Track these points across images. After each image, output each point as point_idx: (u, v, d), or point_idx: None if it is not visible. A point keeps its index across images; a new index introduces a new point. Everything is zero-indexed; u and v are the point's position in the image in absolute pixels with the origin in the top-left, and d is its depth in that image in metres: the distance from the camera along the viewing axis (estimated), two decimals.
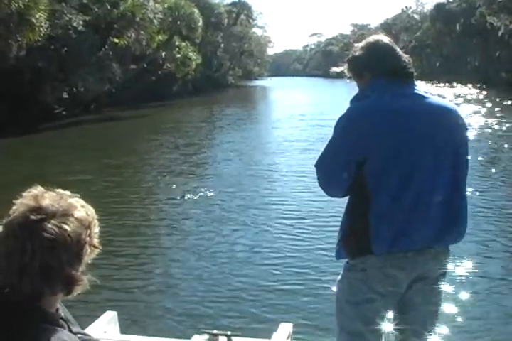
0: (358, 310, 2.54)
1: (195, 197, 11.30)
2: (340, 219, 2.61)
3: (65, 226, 1.58)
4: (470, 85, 45.80)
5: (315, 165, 2.56)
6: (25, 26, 20.20)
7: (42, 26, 20.87)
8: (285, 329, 2.61)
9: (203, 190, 11.87)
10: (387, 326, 2.65)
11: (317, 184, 2.62)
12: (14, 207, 1.62)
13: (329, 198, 2.80)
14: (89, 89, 29.78)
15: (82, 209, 1.67)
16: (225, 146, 18.75)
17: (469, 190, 2.61)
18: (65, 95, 28.41)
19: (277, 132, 22.11)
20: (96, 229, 1.69)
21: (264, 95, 43.89)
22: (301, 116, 25.55)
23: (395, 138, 2.39)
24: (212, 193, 11.61)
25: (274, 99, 40.13)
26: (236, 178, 13.46)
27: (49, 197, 1.63)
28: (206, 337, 2.96)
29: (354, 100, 2.61)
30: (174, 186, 12.42)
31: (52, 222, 1.57)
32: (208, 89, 39.55)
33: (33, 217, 1.56)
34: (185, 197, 11.27)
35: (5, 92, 22.95)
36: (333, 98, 36.05)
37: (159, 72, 36.37)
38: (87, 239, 1.64)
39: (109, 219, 9.04)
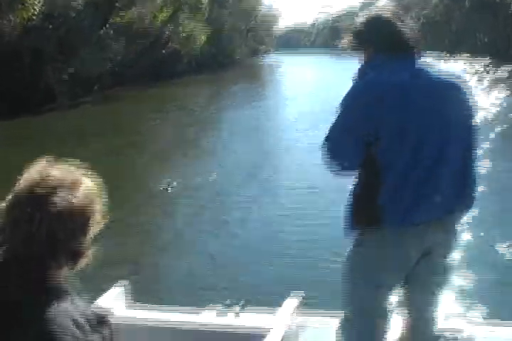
0: (368, 284, 2.58)
1: (204, 173, 11.39)
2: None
3: (72, 199, 1.62)
4: (479, 61, 45.38)
5: (325, 138, 2.56)
6: (18, 4, 20.06)
7: (35, 3, 20.72)
8: (292, 303, 2.66)
9: (212, 165, 11.96)
10: (396, 300, 2.70)
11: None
12: (21, 180, 1.66)
13: None
14: (90, 70, 29.73)
15: (88, 182, 1.71)
16: (233, 123, 18.80)
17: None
18: (66, 77, 28.39)
19: (286, 109, 22.09)
20: (101, 203, 1.73)
21: (271, 72, 43.68)
22: (309, 93, 25.50)
23: (402, 113, 2.41)
24: (221, 169, 11.71)
25: (282, 75, 39.95)
26: (246, 154, 13.63)
27: (55, 170, 1.67)
28: (214, 312, 3.03)
29: (358, 75, 2.62)
30: (183, 162, 12.50)
31: (60, 193, 1.60)
32: (213, 67, 39.39)
33: (40, 188, 1.60)
34: (194, 173, 11.37)
35: (4, 74, 22.98)
36: (341, 74, 35.74)
37: (163, 51, 36.22)
38: (93, 212, 1.68)
39: (115, 195, 9.13)
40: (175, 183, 10.78)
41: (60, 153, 1.82)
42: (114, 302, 2.77)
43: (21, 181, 1.65)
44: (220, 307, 3.03)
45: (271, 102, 25.29)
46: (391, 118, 2.41)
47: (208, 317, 2.71)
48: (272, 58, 53.25)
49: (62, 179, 1.64)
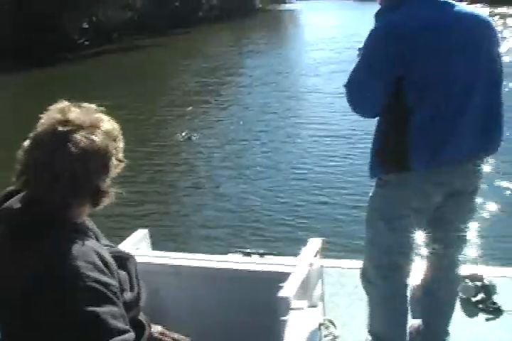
0: (390, 226, 2.58)
1: (226, 119, 11.42)
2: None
3: (94, 138, 1.63)
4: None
5: (347, 82, 2.51)
6: None
7: None
8: (314, 244, 2.67)
9: (233, 111, 11.97)
10: (418, 242, 2.71)
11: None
12: (41, 121, 1.67)
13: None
14: (110, 18, 29.44)
15: (108, 122, 1.72)
16: (255, 71, 18.63)
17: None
18: (86, 25, 28.18)
19: (309, 54, 21.83)
20: (121, 144, 1.75)
21: (293, 19, 42.89)
22: (332, 39, 25.05)
23: (432, 50, 2.34)
24: (242, 113, 11.71)
25: (304, 22, 39.22)
26: (269, 100, 13.67)
27: (76, 110, 1.68)
28: (240, 255, 3.07)
29: (382, 12, 2.54)
30: (204, 109, 12.53)
31: (81, 133, 1.62)
32: (234, 14, 38.75)
33: (61, 128, 1.61)
34: (216, 120, 11.39)
35: (24, 23, 22.91)
36: (363, 20, 35.29)
37: None
38: (114, 151, 1.69)
39: (136, 140, 9.22)
40: (197, 132, 10.84)
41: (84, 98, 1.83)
42: (139, 243, 2.81)
43: (41, 122, 1.66)
44: (245, 250, 3.07)
45: (292, 49, 24.94)
46: (421, 54, 2.34)
47: (233, 259, 2.74)
48: (294, 3, 52.05)
49: (83, 119, 1.65)
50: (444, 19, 2.40)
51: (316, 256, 2.59)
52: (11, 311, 1.57)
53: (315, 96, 13.92)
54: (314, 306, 2.28)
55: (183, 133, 10.74)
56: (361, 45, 2.48)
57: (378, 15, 2.53)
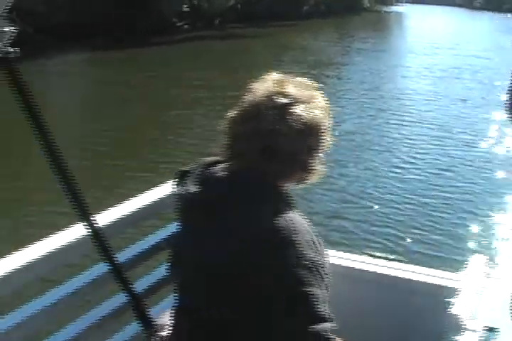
0: None
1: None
2: None
3: (314, 112, 1.59)
4: None
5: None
6: None
7: None
8: (479, 260, 2.52)
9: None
10: None
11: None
12: (253, 92, 1.62)
13: None
14: (213, 3, 29.76)
15: (322, 98, 1.67)
16: (357, 70, 18.54)
17: None
18: (186, 8, 28.59)
19: (413, 60, 21.55)
20: (330, 121, 1.69)
21: (399, 22, 42.36)
22: (437, 46, 24.62)
23: None
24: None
25: (411, 26, 38.74)
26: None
27: (293, 83, 1.64)
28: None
29: None
30: None
31: (301, 106, 1.57)
32: (340, 12, 38.54)
33: (281, 101, 1.56)
34: None
35: (126, 2, 23.43)
36: (474, 29, 35.25)
37: None
38: (326, 128, 1.64)
39: None
40: None
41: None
42: None
43: (254, 93, 1.62)
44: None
45: (396, 54, 24.65)
46: None
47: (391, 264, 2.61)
48: (402, 6, 51.29)
49: (300, 93, 1.61)
50: None
51: (481, 273, 2.44)
52: (212, 284, 1.55)
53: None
54: (492, 329, 2.14)
55: None
56: None
57: None
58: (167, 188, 2.10)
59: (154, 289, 2.12)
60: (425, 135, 11.06)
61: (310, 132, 1.58)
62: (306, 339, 1.48)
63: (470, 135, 11.02)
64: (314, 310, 1.47)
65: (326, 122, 1.64)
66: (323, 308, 1.50)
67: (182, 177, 1.67)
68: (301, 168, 1.62)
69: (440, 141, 10.67)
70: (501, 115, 10.34)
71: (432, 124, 11.77)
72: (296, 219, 1.54)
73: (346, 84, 16.36)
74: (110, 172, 8.94)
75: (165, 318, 1.88)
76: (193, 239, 1.61)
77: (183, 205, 1.67)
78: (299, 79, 1.67)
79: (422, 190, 8.11)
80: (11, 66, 1.36)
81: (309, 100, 1.60)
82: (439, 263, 5.11)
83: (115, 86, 14.87)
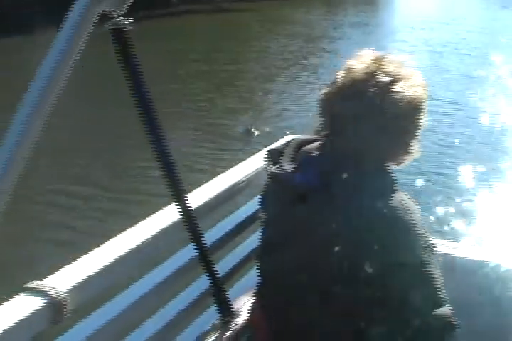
0: None
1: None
2: None
3: (417, 89, 1.57)
4: None
5: None
6: None
7: None
8: None
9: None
10: None
11: None
12: (349, 69, 1.59)
13: None
14: None
15: (420, 76, 1.65)
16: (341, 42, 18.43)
17: None
18: None
19: (410, 35, 21.40)
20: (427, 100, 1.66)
21: None
22: (433, 21, 24.39)
23: None
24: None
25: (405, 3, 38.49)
26: None
27: (390, 60, 1.61)
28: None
29: None
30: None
31: (402, 84, 1.55)
32: None
33: (381, 78, 1.53)
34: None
35: None
36: (470, 6, 34.88)
37: None
38: (424, 107, 1.62)
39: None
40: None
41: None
42: None
43: (352, 72, 1.59)
44: None
45: (389, 28, 24.45)
46: None
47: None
48: None
49: (398, 71, 1.59)
50: None
51: None
52: (329, 261, 1.52)
53: None
54: None
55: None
56: None
57: None
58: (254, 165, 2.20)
59: (232, 273, 2.09)
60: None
61: (416, 111, 1.56)
62: (429, 322, 1.45)
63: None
64: (437, 292, 1.46)
65: (424, 100, 1.61)
66: (443, 291, 1.49)
67: (273, 156, 1.64)
68: (402, 147, 1.60)
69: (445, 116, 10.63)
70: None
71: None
72: (405, 198, 1.53)
73: (342, 58, 16.23)
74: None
75: (239, 304, 1.85)
76: (302, 216, 1.57)
77: (278, 184, 1.63)
78: (393, 56, 1.64)
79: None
80: (125, 39, 1.30)
81: (409, 77, 1.58)
82: None
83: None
